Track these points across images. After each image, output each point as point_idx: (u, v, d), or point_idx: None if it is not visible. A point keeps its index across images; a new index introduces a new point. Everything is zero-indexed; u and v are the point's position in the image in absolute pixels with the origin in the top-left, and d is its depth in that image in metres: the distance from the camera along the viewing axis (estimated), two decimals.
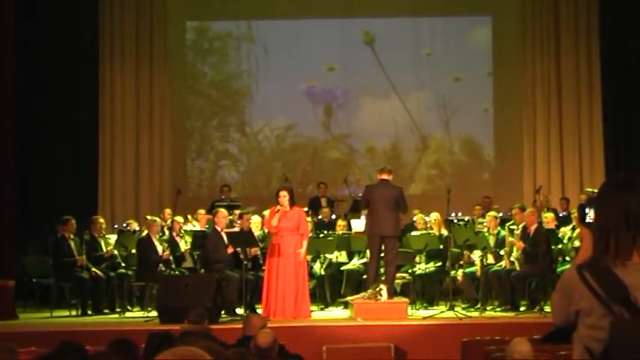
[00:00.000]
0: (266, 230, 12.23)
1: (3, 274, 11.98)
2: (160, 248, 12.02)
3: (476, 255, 12.13)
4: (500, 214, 13.08)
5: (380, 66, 16.95)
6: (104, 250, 12.53)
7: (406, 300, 11.27)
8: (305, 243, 11.24)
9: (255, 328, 6.72)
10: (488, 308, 11.79)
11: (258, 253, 11.89)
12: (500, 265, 11.94)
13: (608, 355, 3.13)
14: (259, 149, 17.24)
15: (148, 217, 12.77)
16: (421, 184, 17.02)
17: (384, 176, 11.36)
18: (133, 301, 12.77)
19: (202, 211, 14.01)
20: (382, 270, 11.36)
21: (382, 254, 11.27)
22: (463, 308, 11.80)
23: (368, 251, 12.12)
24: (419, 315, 11.28)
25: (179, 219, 12.90)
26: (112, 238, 12.98)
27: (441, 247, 12.44)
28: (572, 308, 3.26)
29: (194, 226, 13.65)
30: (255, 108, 17.14)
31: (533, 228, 11.70)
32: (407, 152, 17.13)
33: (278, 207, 11.17)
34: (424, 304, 12.36)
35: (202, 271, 12.13)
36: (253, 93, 17.15)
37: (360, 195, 14.70)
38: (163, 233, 13.04)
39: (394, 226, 11.17)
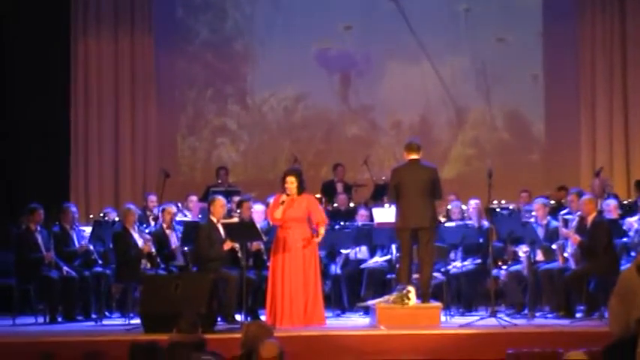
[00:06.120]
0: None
1: None
2: (139, 241, 12.00)
3: (522, 250, 12.08)
4: (552, 202, 13.02)
5: (407, 24, 16.89)
6: (77, 244, 12.53)
7: (439, 304, 11.21)
8: (323, 229, 11.18)
9: (258, 338, 6.69)
10: (537, 314, 11.76)
11: (262, 248, 11.87)
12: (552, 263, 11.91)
13: None
14: (263, 124, 17.22)
15: (125, 206, 12.73)
16: (457, 166, 16.98)
17: (414, 155, 11.18)
18: (111, 305, 12.78)
19: (194, 198, 14.02)
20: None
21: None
22: (507, 314, 11.76)
23: (394, 247, 12.11)
24: (454, 322, 11.25)
25: (171, 208, 12.81)
26: (87, 229, 12.97)
27: (481, 240, 12.40)
28: (632, 315, 3.19)
29: (187, 215, 13.67)
30: (259, 75, 17.13)
31: (591, 218, 11.63)
32: (440, 128, 17.09)
33: (284, 197, 11.11)
34: (460, 309, 12.35)
35: (195, 269, 12.11)
36: (256, 57, 17.12)
37: (383, 178, 14.75)
38: (148, 224, 13.04)
39: (431, 216, 11.05)
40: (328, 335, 10.43)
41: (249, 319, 11.09)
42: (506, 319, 11.07)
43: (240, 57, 17.24)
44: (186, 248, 12.47)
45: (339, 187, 15.49)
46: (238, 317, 11.19)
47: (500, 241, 12.24)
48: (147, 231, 12.52)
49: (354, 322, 11.78)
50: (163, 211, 12.72)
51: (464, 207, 13.08)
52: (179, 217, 13.36)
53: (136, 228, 12.24)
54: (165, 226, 12.57)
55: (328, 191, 15.26)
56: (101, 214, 13.87)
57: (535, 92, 16.91)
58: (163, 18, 16.92)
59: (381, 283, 12.48)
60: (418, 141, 11.51)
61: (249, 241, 11.64)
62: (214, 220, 11.77)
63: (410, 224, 10.98)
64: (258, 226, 11.81)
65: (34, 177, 15.59)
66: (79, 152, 16.16)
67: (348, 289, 12.67)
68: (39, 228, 12.30)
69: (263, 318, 11.13)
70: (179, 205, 13.94)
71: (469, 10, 16.87)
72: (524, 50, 16.86)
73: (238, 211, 12.61)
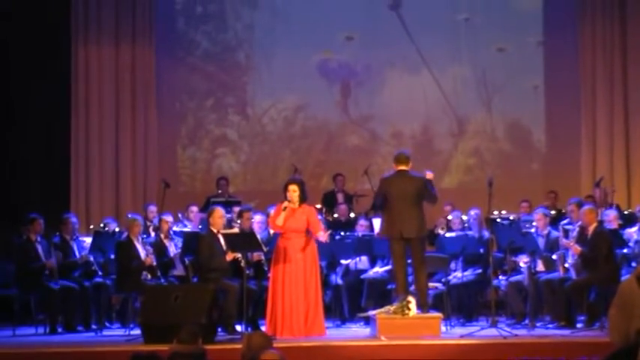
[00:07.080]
0: (271, 231, 12.22)
1: None
2: (142, 253, 12.02)
3: (523, 260, 12.08)
4: (553, 212, 13.00)
5: (408, 34, 16.89)
6: (77, 255, 12.54)
7: (439, 314, 11.21)
8: (322, 232, 11.17)
9: (259, 349, 6.68)
10: (538, 324, 11.76)
11: (262, 258, 11.87)
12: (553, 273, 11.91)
13: None
14: (263, 135, 17.22)
15: (129, 216, 12.77)
16: (457, 176, 16.98)
17: (402, 166, 11.19)
18: (112, 315, 12.78)
19: (195, 209, 14.02)
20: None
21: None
22: (508, 324, 11.76)
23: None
24: (455, 332, 11.24)
25: (168, 218, 12.90)
26: (87, 240, 12.97)
27: (481, 250, 12.40)
28: (632, 325, 3.20)
29: (187, 225, 13.66)
30: (259, 85, 17.13)
31: (591, 228, 11.64)
32: (440, 138, 17.08)
33: (286, 203, 11.14)
34: (461, 320, 12.35)
35: (195, 279, 12.11)
36: (256, 67, 17.13)
37: None
38: (148, 235, 13.04)
39: (419, 226, 11.05)
40: (329, 346, 10.43)
41: (249, 329, 11.09)
42: (507, 329, 11.05)
43: (240, 67, 17.24)
44: (187, 259, 12.47)
45: (340, 197, 15.48)
46: (239, 328, 11.17)
47: (501, 251, 12.21)
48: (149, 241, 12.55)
49: (354, 333, 11.75)
50: (160, 221, 12.75)
51: (464, 217, 13.08)
52: (180, 228, 13.37)
53: (140, 239, 12.25)
54: (162, 235, 12.59)
55: (329, 202, 15.25)
56: (101, 225, 13.86)
57: (536, 101, 16.90)
58: (164, 29, 16.92)
59: (381, 293, 12.46)
60: (407, 152, 11.54)
61: (250, 252, 11.64)
62: (214, 230, 11.78)
63: (396, 233, 11.00)
64: (259, 236, 11.79)
65: (35, 187, 15.59)
66: (80, 163, 16.13)
67: (349, 300, 12.66)
68: (39, 238, 12.30)
69: (263, 328, 11.12)
70: (180, 215, 13.96)
71: (469, 19, 16.87)
72: (524, 59, 16.86)
73: (239, 221, 12.62)
